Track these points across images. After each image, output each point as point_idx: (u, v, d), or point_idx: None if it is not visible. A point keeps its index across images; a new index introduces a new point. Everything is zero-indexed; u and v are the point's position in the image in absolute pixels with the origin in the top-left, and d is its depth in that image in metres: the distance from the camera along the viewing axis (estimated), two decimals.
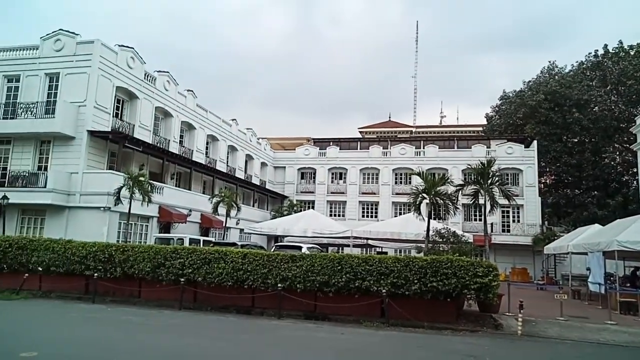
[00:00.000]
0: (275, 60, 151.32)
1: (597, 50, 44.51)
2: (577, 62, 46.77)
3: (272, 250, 17.92)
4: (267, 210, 40.59)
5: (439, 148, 43.01)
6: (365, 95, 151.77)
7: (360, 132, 72.64)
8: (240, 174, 37.83)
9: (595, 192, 41.03)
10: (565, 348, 10.38)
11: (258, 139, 43.01)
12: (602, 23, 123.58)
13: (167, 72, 29.22)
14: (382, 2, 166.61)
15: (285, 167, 45.49)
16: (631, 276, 20.02)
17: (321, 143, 47.50)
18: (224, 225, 27.52)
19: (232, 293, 13.63)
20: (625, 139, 40.53)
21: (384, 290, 12.17)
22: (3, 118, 23.18)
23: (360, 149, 45.91)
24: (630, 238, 15.88)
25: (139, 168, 25.29)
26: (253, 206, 38.63)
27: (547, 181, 46.44)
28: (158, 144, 27.45)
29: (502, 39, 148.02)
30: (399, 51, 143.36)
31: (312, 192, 44.00)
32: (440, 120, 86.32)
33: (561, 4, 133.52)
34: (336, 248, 30.00)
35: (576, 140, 43.66)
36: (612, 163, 43.98)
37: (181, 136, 31.38)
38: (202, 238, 22.49)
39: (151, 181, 21.41)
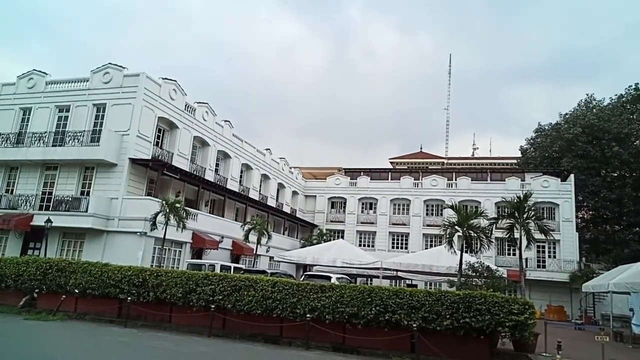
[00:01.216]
0: (311, 92, 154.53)
1: (638, 84, 43.60)
2: (616, 95, 45.87)
3: (302, 279, 17.95)
4: (297, 238, 40.75)
5: (472, 180, 42.44)
6: (397, 126, 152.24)
7: (391, 162, 72.60)
8: (271, 202, 38.32)
9: (637, 229, 39.33)
10: None
11: (290, 168, 43.66)
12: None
13: (207, 103, 30.34)
14: (416, 35, 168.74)
15: (315, 196, 45.79)
16: None
17: (352, 173, 47.70)
18: (254, 252, 27.79)
19: (261, 321, 13.65)
20: None
21: (414, 325, 11.97)
22: (52, 145, 24.50)
23: (391, 179, 45.83)
24: None
25: (175, 195, 26.07)
26: (283, 234, 38.89)
27: (585, 216, 44.92)
28: (194, 172, 28.28)
29: (537, 71, 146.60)
30: (432, 83, 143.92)
31: (342, 222, 43.98)
32: (473, 152, 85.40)
33: (599, 37, 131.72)
34: (365, 279, 29.73)
35: (616, 174, 42.31)
36: None
37: (217, 164, 32.24)
38: (232, 265, 22.76)
39: (186, 207, 22.01)
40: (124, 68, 25.19)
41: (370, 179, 45.20)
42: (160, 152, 26.38)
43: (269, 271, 20.68)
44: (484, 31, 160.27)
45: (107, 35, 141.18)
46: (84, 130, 24.13)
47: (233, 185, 32.81)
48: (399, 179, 44.37)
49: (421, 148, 79.28)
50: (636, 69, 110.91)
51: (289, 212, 40.84)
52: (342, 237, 39.28)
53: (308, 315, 12.89)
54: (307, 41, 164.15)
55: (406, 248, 40.79)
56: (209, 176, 29.99)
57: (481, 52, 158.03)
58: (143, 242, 22.21)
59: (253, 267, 27.80)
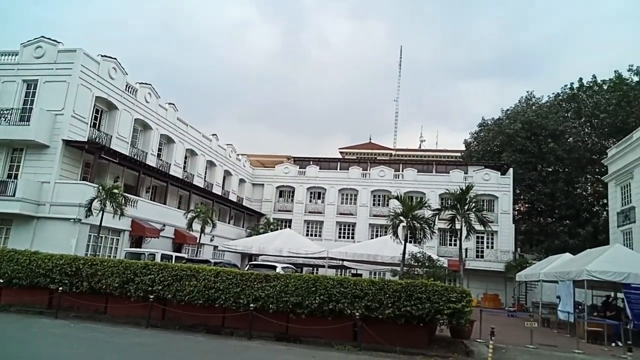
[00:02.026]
0: (261, 78, 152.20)
1: (573, 83, 46.36)
2: (553, 93, 48.60)
3: (246, 268, 17.70)
4: (243, 227, 40.19)
5: (418, 172, 43.52)
6: (347, 116, 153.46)
7: (340, 152, 73.10)
8: (217, 190, 37.48)
9: (567, 222, 41.95)
10: None
11: (238, 155, 42.83)
12: (578, 57, 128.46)
13: (149, 84, 29.01)
14: (370, 26, 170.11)
15: (263, 184, 45.29)
16: (603, 305, 20.35)
17: (301, 162, 47.54)
18: (197, 241, 27.09)
19: (202, 312, 13.32)
20: (597, 170, 41.77)
21: (357, 313, 12.07)
22: None
23: (340, 169, 46.11)
24: (599, 268, 16.22)
25: (114, 180, 24.83)
26: (229, 223, 38.20)
27: (521, 209, 47.32)
28: (135, 156, 27.04)
29: (483, 67, 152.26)
30: (383, 74, 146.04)
31: (290, 211, 43.82)
32: (420, 144, 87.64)
33: (542, 37, 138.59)
34: (311, 268, 29.83)
35: (550, 169, 44.77)
36: (584, 193, 45.21)
37: (159, 149, 31.01)
38: (174, 254, 22.05)
39: (125, 194, 21.01)
40: (58, 43, 23.51)
41: (320, 169, 45.26)
42: (97, 135, 24.97)
43: (212, 261, 20.20)
44: (434, 26, 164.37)
45: (41, 5, 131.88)
46: (12, 108, 22.36)
47: (177, 172, 31.74)
48: (348, 169, 44.74)
49: (370, 139, 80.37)
50: (573, 69, 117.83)
51: (235, 201, 40.15)
52: (290, 226, 39.17)
53: (252, 305, 12.71)
54: (258, 25, 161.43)
55: (353, 238, 41.31)
56: (151, 161, 28.81)
57: (431, 46, 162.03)
58: (77, 229, 21.02)
59: (196, 256, 27.11)
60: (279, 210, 44.24)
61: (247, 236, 34.06)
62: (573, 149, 42.52)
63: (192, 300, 13.33)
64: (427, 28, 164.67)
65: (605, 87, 43.41)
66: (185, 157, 34.23)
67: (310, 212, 43.72)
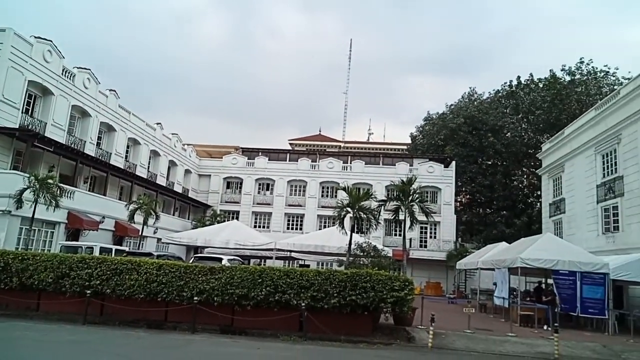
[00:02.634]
0: (210, 68, 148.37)
1: (512, 81, 48.58)
2: (494, 90, 50.64)
3: (191, 261, 17.35)
4: (189, 219, 39.24)
5: (365, 164, 44.21)
6: (298, 108, 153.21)
7: (290, 144, 72.95)
8: (161, 181, 36.32)
9: (504, 212, 44.16)
10: (470, 359, 10.93)
11: (183, 145, 41.63)
12: (518, 57, 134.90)
13: (88, 69, 27.50)
14: (321, 19, 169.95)
15: (210, 175, 44.37)
16: (535, 291, 21.64)
17: (250, 153, 46.98)
18: (140, 234, 26.17)
19: (144, 306, 12.94)
20: (532, 163, 44.16)
21: (303, 304, 12.15)
22: None
23: (289, 160, 45.99)
24: (532, 256, 17.22)
25: (48, 170, 23.43)
26: (174, 215, 37.16)
27: (463, 200, 49.30)
28: (72, 145, 25.63)
29: (430, 63, 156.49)
30: (334, 67, 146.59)
31: (238, 203, 43.25)
32: (368, 137, 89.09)
33: (485, 37, 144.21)
34: (259, 260, 29.66)
35: (490, 162, 46.86)
36: (520, 185, 47.74)
37: (99, 138, 29.58)
38: (114, 247, 21.19)
39: (60, 184, 19.89)
40: None
41: (268, 160, 44.93)
42: (30, 121, 23.42)
43: (155, 253, 19.59)
44: (383, 21, 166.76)
45: None
46: None
47: (118, 161, 30.42)
48: (297, 161, 44.71)
49: (320, 131, 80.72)
50: (512, 67, 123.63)
51: (180, 192, 39.09)
52: (237, 218, 38.71)
53: (196, 298, 12.50)
54: (208, 12, 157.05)
55: (301, 229, 41.42)
56: (90, 150, 27.42)
57: (380, 40, 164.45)
58: (6, 221, 19.69)
59: (138, 249, 26.22)
60: (226, 202, 43.56)
61: (193, 228, 33.29)
62: (511, 143, 44.70)
63: (132, 295, 12.92)
64: (376, 23, 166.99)
65: (541, 86, 45.86)
66: (127, 147, 32.86)
67: (258, 204, 43.37)
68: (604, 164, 25.52)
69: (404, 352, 11.37)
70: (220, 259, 17.42)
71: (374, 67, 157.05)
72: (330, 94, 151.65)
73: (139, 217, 25.19)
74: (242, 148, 50.08)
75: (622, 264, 17.28)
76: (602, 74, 44.03)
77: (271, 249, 22.50)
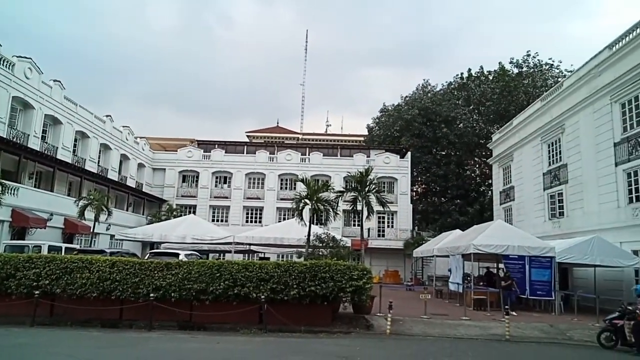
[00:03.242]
0: (163, 57, 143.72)
1: (463, 73, 49.99)
2: (447, 82, 51.96)
3: (146, 257, 16.91)
4: (143, 215, 38.09)
5: (324, 155, 44.36)
6: (255, 99, 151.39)
7: (247, 136, 72.11)
8: (113, 175, 35.02)
9: (458, 201, 45.59)
10: (427, 344, 11.28)
11: (136, 138, 40.25)
12: (469, 49, 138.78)
13: (29, 58, 25.98)
14: (276, 9, 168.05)
15: (165, 169, 43.17)
16: (485, 276, 22.53)
17: (206, 145, 46.04)
18: (91, 231, 25.19)
19: (97, 305, 12.55)
20: (484, 153, 45.74)
21: (263, 296, 12.14)
22: None
23: (246, 153, 45.44)
24: (484, 242, 17.92)
25: None
26: (127, 210, 35.98)
27: (419, 190, 50.48)
28: (14, 139, 24.23)
29: (385, 55, 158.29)
30: (291, 58, 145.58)
31: (194, 197, 42.40)
32: (326, 129, 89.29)
33: (438, 30, 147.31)
34: (218, 254, 29.27)
35: (444, 153, 48.15)
36: (473, 175, 49.40)
37: (44, 131, 28.07)
38: (64, 245, 20.30)
39: (2, 181, 18.78)
40: None
41: (225, 152, 44.22)
42: None
43: (108, 251, 18.93)
44: (339, 13, 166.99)
45: None
46: None
47: (65, 156, 29.02)
48: (255, 153, 44.26)
49: (278, 123, 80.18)
50: (464, 59, 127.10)
51: (133, 187, 37.84)
52: (194, 212, 37.90)
53: (152, 294, 12.23)
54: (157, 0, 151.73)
55: (260, 222, 41.15)
56: (34, 144, 26.01)
57: (336, 32, 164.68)
58: None
59: (90, 246, 25.26)
60: (182, 196, 42.58)
61: (148, 224, 32.36)
62: (463, 134, 46.09)
63: (85, 294, 12.52)
64: (332, 14, 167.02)
65: (490, 78, 47.47)
66: (75, 140, 31.41)
67: (216, 197, 42.69)
68: (549, 153, 26.83)
69: (362, 339, 11.59)
70: (177, 255, 17.08)
71: (330, 58, 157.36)
72: (287, 85, 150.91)
73: (90, 214, 24.21)
74: (197, 141, 49.00)
75: (566, 248, 18.31)
76: (547, 66, 46.16)
77: (230, 243, 22.25)
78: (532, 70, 46.20)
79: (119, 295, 12.52)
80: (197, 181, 43.13)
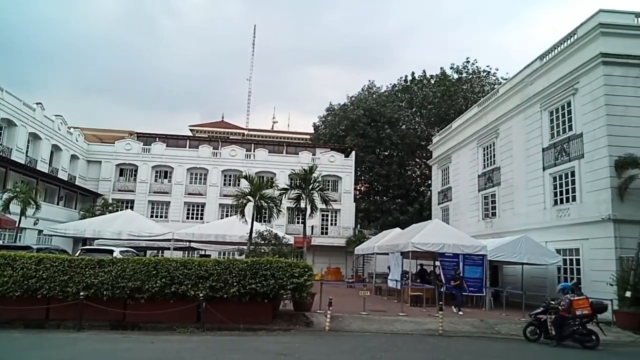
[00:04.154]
0: (103, 46, 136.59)
1: (407, 76, 51.47)
2: (391, 84, 53.24)
3: (78, 254, 16.08)
4: (76, 209, 36.09)
5: (269, 152, 44.06)
6: (200, 93, 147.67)
7: (191, 130, 70.27)
8: (43, 167, 32.88)
9: (399, 200, 46.88)
10: (364, 339, 11.52)
11: (69, 128, 38.00)
12: (413, 52, 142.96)
13: None
14: (224, 2, 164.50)
15: (101, 162, 41.05)
16: (418, 273, 23.31)
17: (146, 138, 44.30)
18: (17, 225, 23.50)
19: (21, 304, 11.75)
20: (424, 155, 47.31)
21: (201, 294, 11.88)
22: None
23: (189, 147, 44.18)
24: (421, 240, 18.55)
25: None
26: (58, 204, 33.92)
27: (362, 188, 51.38)
28: None
29: (333, 54, 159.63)
30: (238, 52, 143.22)
31: (132, 191, 40.68)
32: (272, 126, 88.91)
33: (385, 31, 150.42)
34: (156, 251, 28.32)
35: (387, 153, 49.29)
36: (413, 175, 50.96)
37: None
38: None
39: None
40: None
41: (167, 146, 42.77)
42: None
43: (35, 247, 17.74)
44: (288, 10, 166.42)
45: None
46: None
47: None
48: (198, 148, 43.17)
49: (223, 117, 78.72)
50: (407, 62, 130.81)
51: (66, 179, 35.73)
52: (132, 207, 36.43)
53: (82, 293, 11.63)
54: None
55: (202, 219, 40.21)
56: None
57: (285, 29, 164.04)
58: None
59: (15, 242, 23.61)
60: (119, 190, 40.71)
61: (81, 219, 30.70)
62: (406, 135, 47.45)
63: (7, 293, 11.75)
64: (282, 11, 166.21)
65: (432, 82, 49.18)
66: (1, 129, 29.20)
67: (155, 192, 41.19)
68: (484, 156, 28.20)
69: (302, 336, 11.64)
70: (111, 251, 16.34)
71: (279, 55, 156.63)
72: (234, 80, 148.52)
73: (15, 207, 22.59)
74: (137, 133, 47.09)
75: (497, 246, 19.35)
76: (485, 73, 48.56)
77: (169, 240, 21.55)
78: (471, 76, 48.38)
79: (45, 294, 11.84)
80: (135, 175, 41.43)
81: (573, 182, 19.61)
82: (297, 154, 43.87)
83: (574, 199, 19.52)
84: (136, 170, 41.40)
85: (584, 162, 18.85)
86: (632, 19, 18.63)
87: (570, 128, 19.99)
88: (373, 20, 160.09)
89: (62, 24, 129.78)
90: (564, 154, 20.28)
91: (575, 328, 11.85)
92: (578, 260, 18.83)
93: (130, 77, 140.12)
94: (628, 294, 15.10)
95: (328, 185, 40.95)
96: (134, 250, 19.87)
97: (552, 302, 12.51)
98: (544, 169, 21.59)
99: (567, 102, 20.33)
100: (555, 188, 20.90)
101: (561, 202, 20.40)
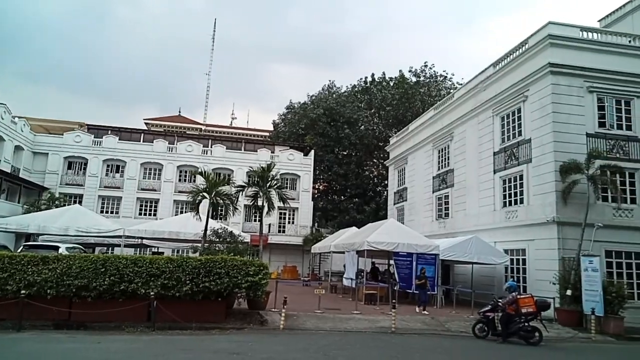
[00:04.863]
0: (54, 31, 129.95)
1: (367, 77, 52.11)
2: (351, 84, 53.72)
3: (19, 250, 15.27)
4: (20, 203, 34.19)
5: (227, 149, 43.40)
6: (156, 86, 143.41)
7: (146, 123, 68.14)
8: None
9: (356, 199, 47.40)
10: (318, 337, 11.57)
11: (13, 117, 35.92)
12: (373, 54, 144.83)
13: None
14: None
15: (48, 153, 39.07)
16: (371, 271, 23.62)
17: (97, 130, 42.56)
18: None
19: None
20: (382, 155, 48.02)
21: (152, 293, 11.56)
22: None
23: (143, 141, 42.78)
24: (377, 239, 18.83)
25: None
26: None
27: (320, 187, 51.59)
28: None
29: (295, 53, 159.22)
30: (197, 45, 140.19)
31: (81, 185, 38.94)
32: (231, 122, 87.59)
33: (346, 32, 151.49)
34: (106, 248, 27.31)
35: (345, 153, 49.69)
36: (371, 175, 51.65)
37: None
38: None
39: None
40: None
41: (120, 139, 41.26)
42: None
43: None
44: (250, 5, 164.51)
45: None
46: None
47: None
48: (153, 142, 41.90)
49: (180, 112, 76.87)
50: (368, 63, 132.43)
51: (8, 172, 33.78)
52: (81, 202, 34.92)
53: (23, 291, 11.05)
54: None
55: (155, 215, 39.12)
56: None
57: (247, 25, 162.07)
58: None
59: None
60: (67, 184, 38.88)
61: (24, 213, 29.09)
62: (364, 135, 48.03)
63: None
64: (244, 6, 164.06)
65: (391, 84, 50.06)
66: None
67: (106, 187, 39.65)
68: (439, 158, 28.96)
69: (256, 335, 11.56)
70: (56, 247, 15.61)
71: (240, 50, 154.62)
72: (192, 74, 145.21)
73: None
74: (88, 125, 45.16)
75: (449, 246, 19.93)
76: (442, 78, 49.93)
77: (119, 236, 20.81)
78: (428, 80, 49.59)
79: None
80: (85, 169, 39.71)
81: (521, 185, 20.47)
82: (256, 151, 43.45)
83: (521, 201, 20.38)
84: (86, 164, 39.69)
85: (532, 166, 19.71)
86: (577, 32, 19.64)
87: (520, 133, 20.85)
88: (336, 21, 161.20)
89: (10, 6, 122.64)
90: (513, 158, 21.13)
91: (520, 325, 12.40)
92: (524, 260, 19.69)
93: (84, 67, 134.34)
94: (569, 292, 15.94)
95: (286, 184, 40.81)
96: (82, 247, 19.09)
97: (500, 301, 13.01)
98: (494, 172, 22.41)
99: (517, 109, 21.20)
100: (504, 191, 21.75)
101: (510, 204, 21.25)
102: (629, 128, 19.33)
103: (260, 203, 19.02)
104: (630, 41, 20.09)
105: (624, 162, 18.53)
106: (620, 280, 16.94)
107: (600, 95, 19.23)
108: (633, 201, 18.74)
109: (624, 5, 25.95)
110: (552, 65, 18.83)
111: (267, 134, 62.08)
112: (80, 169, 39.89)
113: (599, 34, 20.24)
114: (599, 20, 27.77)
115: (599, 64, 19.12)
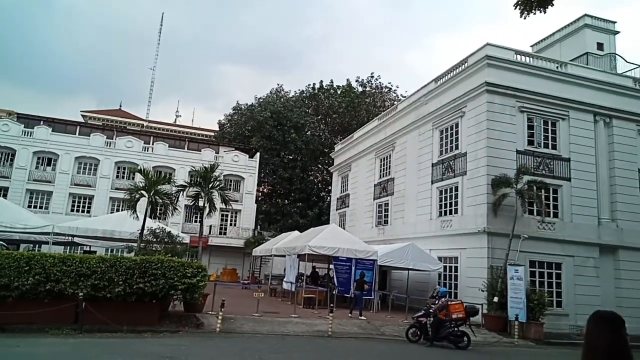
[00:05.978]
0: None
1: (315, 84, 52.65)
2: (299, 90, 54.03)
3: None
4: None
5: (169, 147, 42.14)
6: (96, 77, 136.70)
7: (83, 115, 64.89)
8: None
9: (300, 204, 47.60)
10: (255, 341, 11.55)
11: None
12: (322, 61, 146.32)
13: None
14: None
15: None
16: (311, 275, 23.88)
17: (28, 120, 39.91)
18: None
19: None
20: (327, 161, 48.64)
21: (81, 293, 11.04)
22: None
23: (79, 134, 40.61)
24: (318, 244, 19.04)
25: None
26: None
27: (264, 190, 51.34)
28: None
29: (245, 54, 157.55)
30: (142, 39, 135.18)
31: (7, 178, 36.30)
32: (175, 119, 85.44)
33: (297, 38, 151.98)
34: (32, 246, 25.69)
35: (291, 157, 49.83)
36: (315, 180, 52.14)
37: None
38: None
39: None
40: None
41: (53, 131, 38.91)
42: None
43: None
44: (202, 2, 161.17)
45: None
46: None
47: None
48: (90, 136, 39.88)
49: (121, 106, 74.19)
50: (316, 71, 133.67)
51: None
52: (6, 196, 32.62)
53: None
54: None
55: (89, 212, 37.25)
56: None
57: (198, 22, 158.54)
58: None
59: None
60: None
61: None
62: (310, 141, 48.42)
63: None
64: (194, 3, 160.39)
65: (339, 92, 50.90)
66: None
67: (36, 181, 37.23)
68: (381, 166, 29.78)
69: (190, 338, 11.36)
70: None
71: (187, 47, 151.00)
72: (136, 68, 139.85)
73: None
74: (17, 113, 42.33)
75: (387, 252, 20.51)
76: (387, 89, 51.45)
77: (48, 233, 19.65)
78: (374, 90, 50.92)
79: None
80: (12, 160, 37.10)
81: (456, 196, 21.48)
82: (200, 151, 42.51)
83: (456, 211, 21.38)
84: (14, 155, 37.11)
85: (466, 178, 20.76)
86: (512, 55, 20.98)
87: (457, 147, 21.91)
88: (288, 25, 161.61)
89: None
90: (450, 170, 22.15)
91: (450, 330, 13.01)
92: (457, 268, 20.66)
93: (17, 52, 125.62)
94: (495, 299, 16.91)
95: (230, 185, 40.25)
96: (4, 244, 17.87)
97: (433, 306, 13.59)
98: (432, 182, 23.37)
99: (455, 123, 22.27)
100: (440, 201, 22.73)
101: (445, 214, 22.23)
102: (554, 147, 20.84)
103: (201, 204, 18.70)
104: (557, 67, 21.73)
105: (549, 179, 19.96)
106: (542, 289, 18.19)
107: (530, 115, 20.63)
108: (555, 215, 20.20)
109: (553, 34, 28.05)
110: (488, 85, 19.96)
111: (212, 133, 61.04)
112: (7, 160, 37.21)
113: (531, 58, 21.75)
114: (531, 45, 29.81)
115: (530, 86, 20.52)
